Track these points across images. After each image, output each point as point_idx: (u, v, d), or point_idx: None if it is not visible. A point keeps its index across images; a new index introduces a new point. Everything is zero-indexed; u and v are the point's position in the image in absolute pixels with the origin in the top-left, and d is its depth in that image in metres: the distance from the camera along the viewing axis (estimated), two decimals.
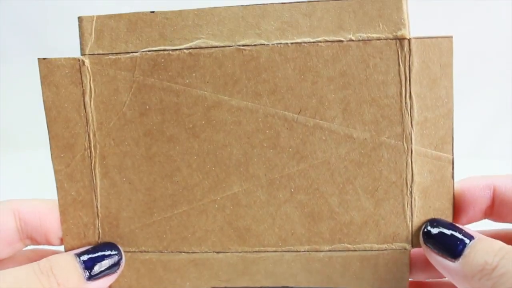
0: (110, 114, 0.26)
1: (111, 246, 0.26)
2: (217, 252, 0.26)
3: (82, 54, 0.25)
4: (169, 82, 0.25)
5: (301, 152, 0.25)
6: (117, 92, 0.26)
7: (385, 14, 0.24)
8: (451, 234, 0.23)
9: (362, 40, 0.24)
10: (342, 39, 0.24)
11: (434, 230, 0.24)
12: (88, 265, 0.24)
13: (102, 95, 0.26)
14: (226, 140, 0.25)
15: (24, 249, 0.27)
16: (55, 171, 0.26)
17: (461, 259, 0.22)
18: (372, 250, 0.25)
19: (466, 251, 0.22)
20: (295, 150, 0.25)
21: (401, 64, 0.24)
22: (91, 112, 0.26)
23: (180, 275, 0.27)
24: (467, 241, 0.23)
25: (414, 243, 0.25)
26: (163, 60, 0.25)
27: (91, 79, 0.25)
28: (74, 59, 0.25)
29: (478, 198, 0.25)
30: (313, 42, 0.24)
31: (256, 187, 0.26)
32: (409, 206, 0.25)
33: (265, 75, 0.25)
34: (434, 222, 0.24)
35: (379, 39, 0.24)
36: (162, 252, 0.27)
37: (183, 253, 0.26)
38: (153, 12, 0.25)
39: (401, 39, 0.24)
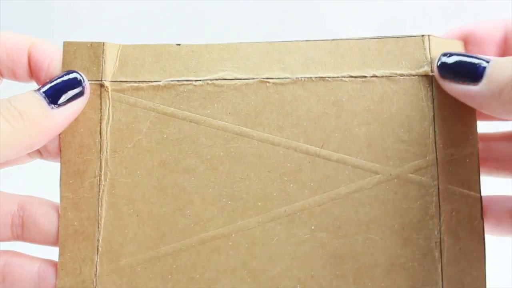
0: (125, 142, 0.25)
1: (72, 72, 0.25)
2: None
3: (103, 79, 0.25)
4: (189, 112, 0.25)
5: (324, 188, 0.24)
6: (135, 120, 0.25)
7: (407, 52, 0.24)
8: (468, 60, 0.23)
9: (386, 76, 0.24)
10: (366, 74, 0.24)
11: (450, 60, 0.23)
12: (49, 93, 0.23)
13: (119, 122, 0.25)
14: (244, 173, 0.24)
15: None
16: (61, 198, 0.25)
17: (484, 80, 0.22)
18: None
19: (488, 71, 0.22)
20: (317, 185, 0.24)
21: (424, 99, 0.24)
22: (106, 138, 0.25)
23: None
24: (485, 63, 0.22)
25: None
26: (185, 90, 0.25)
27: (111, 105, 0.25)
28: (96, 84, 0.25)
29: (490, 29, 0.25)
30: (337, 77, 0.24)
31: (275, 224, 0.24)
32: (438, 247, 0.23)
33: (288, 108, 0.24)
34: (448, 54, 0.24)
35: (402, 75, 0.24)
36: None
37: None
38: (179, 44, 0.26)
39: (424, 76, 0.24)
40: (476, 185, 0.23)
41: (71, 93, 0.24)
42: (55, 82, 0.24)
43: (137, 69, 0.25)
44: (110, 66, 0.25)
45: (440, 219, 0.23)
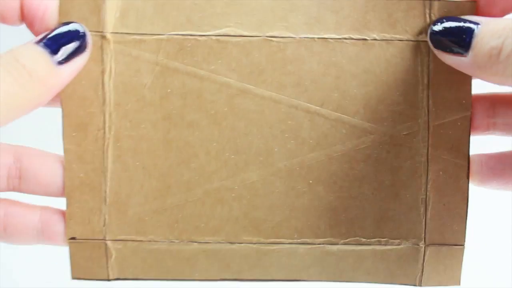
0: (129, 95, 0.25)
1: (72, 23, 0.24)
2: (231, 243, 0.26)
3: (104, 31, 0.25)
4: (193, 67, 0.25)
5: (322, 144, 0.25)
6: (138, 73, 0.25)
7: (409, 16, 0.25)
8: (455, 27, 0.23)
9: (385, 40, 0.25)
10: (366, 37, 0.25)
11: (438, 30, 0.24)
12: (53, 48, 0.22)
13: (122, 75, 0.25)
14: (247, 128, 0.25)
15: None
16: (65, 150, 0.25)
17: (470, 52, 0.22)
18: (386, 245, 0.26)
19: (473, 41, 0.22)
20: (316, 142, 0.25)
21: (420, 64, 0.25)
22: (109, 91, 0.25)
23: (189, 265, 0.26)
24: (473, 30, 0.22)
25: (428, 240, 0.26)
26: (189, 44, 0.25)
27: (113, 58, 0.25)
28: (97, 35, 0.25)
29: None
30: (339, 38, 0.25)
31: (275, 177, 0.26)
32: (423, 203, 0.26)
33: (290, 67, 0.25)
34: (439, 21, 0.24)
35: (401, 40, 0.25)
36: (172, 241, 0.26)
37: (194, 243, 0.26)
38: None
39: (422, 42, 0.25)
40: (465, 147, 0.25)
41: (73, 46, 0.23)
42: (55, 34, 0.23)
43: (139, 21, 0.25)
44: (110, 17, 0.25)
45: (427, 178, 0.25)
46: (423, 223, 0.26)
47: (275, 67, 0.25)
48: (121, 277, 0.26)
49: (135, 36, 0.25)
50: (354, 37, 0.25)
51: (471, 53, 0.22)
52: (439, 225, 0.26)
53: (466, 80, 0.25)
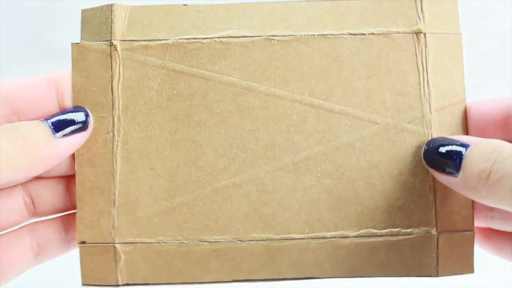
0: (136, 99, 0.26)
1: (79, 108, 0.25)
2: (241, 241, 0.25)
3: (113, 39, 0.26)
4: (198, 68, 0.26)
5: (327, 137, 0.26)
6: (146, 77, 0.26)
7: (401, 11, 0.26)
8: (446, 151, 0.23)
9: (382, 33, 0.26)
10: (364, 32, 0.26)
11: (431, 151, 0.24)
12: (55, 124, 0.24)
13: (130, 80, 0.26)
14: (253, 125, 0.26)
15: None
16: (76, 155, 0.25)
17: (461, 173, 0.22)
18: (398, 235, 0.25)
19: (463, 163, 0.22)
20: (322, 135, 0.26)
21: (418, 55, 0.26)
22: (118, 96, 0.26)
23: (200, 267, 0.25)
24: (463, 152, 0.22)
25: (439, 227, 0.25)
26: (194, 47, 0.26)
27: (121, 63, 0.26)
28: (106, 44, 0.26)
29: (489, 110, 0.25)
30: (338, 34, 0.26)
31: (283, 172, 0.26)
32: (431, 190, 0.25)
33: (293, 64, 0.26)
34: (430, 144, 0.25)
35: (397, 32, 0.26)
36: (181, 242, 0.25)
37: (204, 243, 0.25)
38: (185, 5, 0.26)
39: (417, 33, 0.26)
40: (463, 132, 0.26)
41: (75, 127, 0.25)
42: (63, 117, 0.25)
43: (145, 29, 0.26)
44: (119, 26, 0.26)
45: None
46: (433, 210, 0.25)
47: (277, 65, 0.26)
48: (130, 283, 0.26)
49: (141, 42, 0.26)
50: (353, 32, 0.26)
51: (461, 174, 0.22)
52: (449, 211, 0.25)
53: (460, 69, 0.26)
